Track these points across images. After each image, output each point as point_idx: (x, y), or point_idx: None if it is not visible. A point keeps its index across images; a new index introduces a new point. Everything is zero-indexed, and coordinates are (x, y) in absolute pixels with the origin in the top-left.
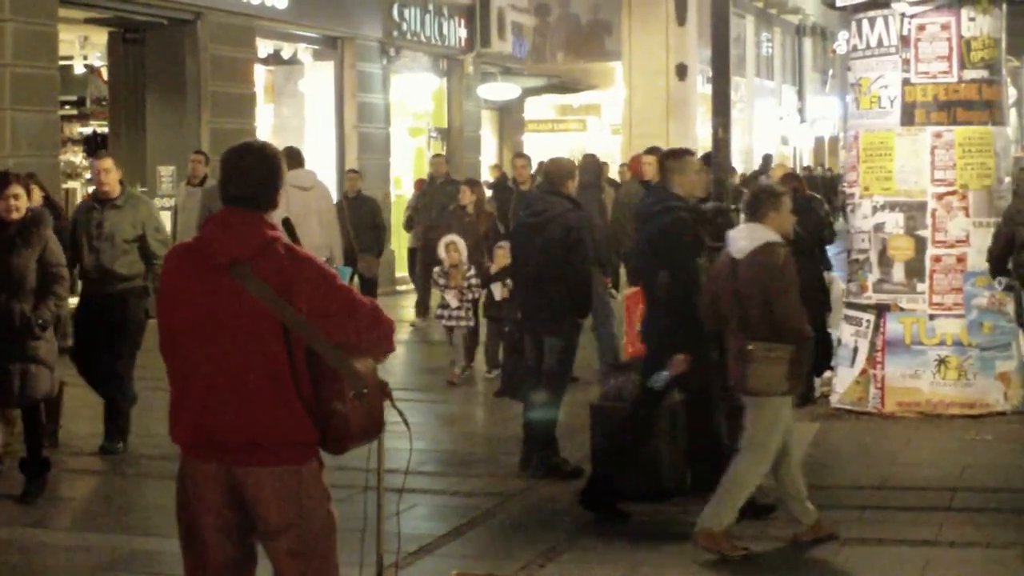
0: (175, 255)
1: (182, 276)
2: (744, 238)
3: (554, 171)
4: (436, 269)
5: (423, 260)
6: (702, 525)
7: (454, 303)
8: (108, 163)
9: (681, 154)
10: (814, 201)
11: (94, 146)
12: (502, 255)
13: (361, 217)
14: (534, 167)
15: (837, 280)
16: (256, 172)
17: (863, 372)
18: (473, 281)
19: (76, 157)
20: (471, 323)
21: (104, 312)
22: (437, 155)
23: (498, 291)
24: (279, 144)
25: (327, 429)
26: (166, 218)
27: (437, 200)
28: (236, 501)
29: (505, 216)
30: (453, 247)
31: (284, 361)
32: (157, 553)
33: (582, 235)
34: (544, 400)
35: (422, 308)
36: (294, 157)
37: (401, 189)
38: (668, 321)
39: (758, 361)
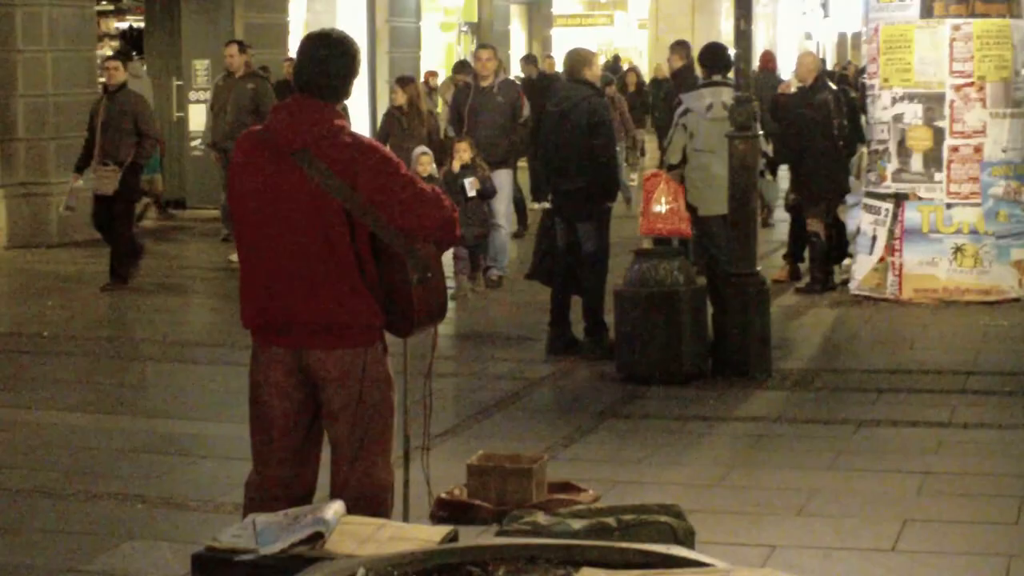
0: (243, 141)
1: (249, 163)
2: None
3: (572, 60)
4: None
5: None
6: None
7: None
8: None
9: None
10: (826, 90)
11: (130, 41)
12: (427, 161)
13: (241, 101)
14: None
15: None
16: (331, 62)
17: (881, 259)
18: None
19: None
20: None
21: None
22: (229, 43)
23: None
24: None
25: (393, 312)
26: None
27: (235, 101)
28: (305, 383)
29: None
30: None
31: (348, 246)
32: (191, 435)
33: (604, 118)
34: (589, 284)
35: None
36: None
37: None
38: None
39: None
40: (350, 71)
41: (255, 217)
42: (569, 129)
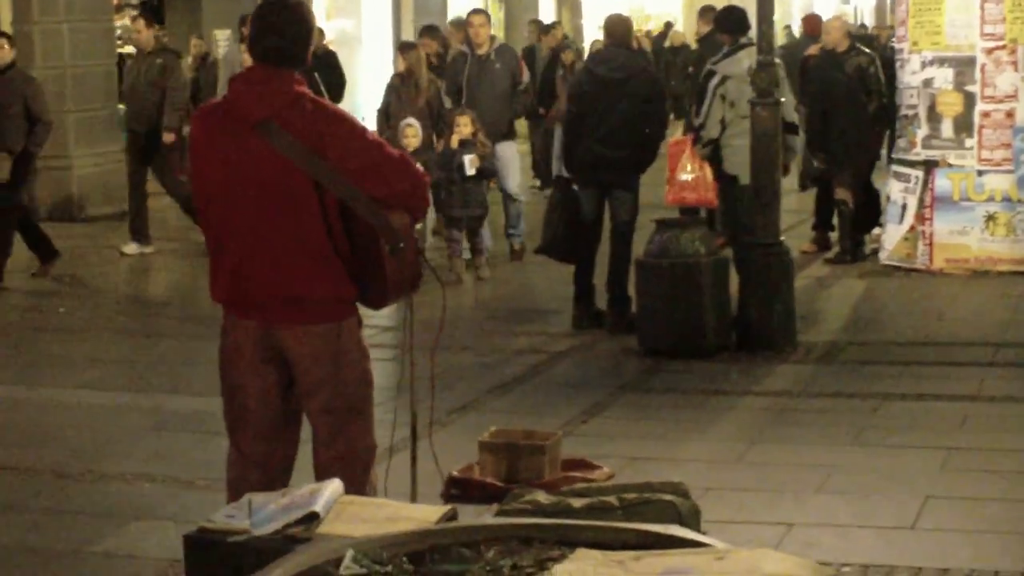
0: (202, 115)
1: (210, 136)
2: None
3: (617, 26)
4: None
5: (133, 164)
6: None
7: None
8: None
9: None
10: (860, 55)
11: (150, 11)
12: (412, 133)
13: (151, 76)
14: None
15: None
16: (288, 28)
17: (912, 229)
18: None
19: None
20: None
21: None
22: (136, 17)
23: None
24: (337, 10)
25: (364, 284)
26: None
27: (145, 77)
28: (276, 358)
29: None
30: None
31: (318, 217)
32: (200, 413)
33: (663, 91)
34: (619, 254)
35: (140, 231)
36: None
37: None
38: None
39: None
40: (308, 36)
41: (220, 193)
42: (628, 98)
